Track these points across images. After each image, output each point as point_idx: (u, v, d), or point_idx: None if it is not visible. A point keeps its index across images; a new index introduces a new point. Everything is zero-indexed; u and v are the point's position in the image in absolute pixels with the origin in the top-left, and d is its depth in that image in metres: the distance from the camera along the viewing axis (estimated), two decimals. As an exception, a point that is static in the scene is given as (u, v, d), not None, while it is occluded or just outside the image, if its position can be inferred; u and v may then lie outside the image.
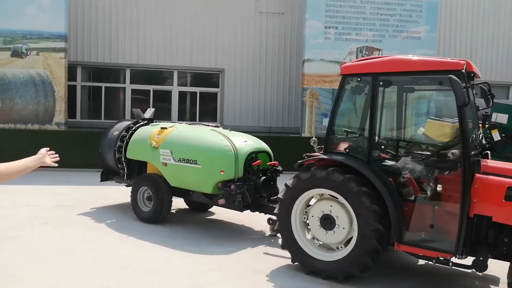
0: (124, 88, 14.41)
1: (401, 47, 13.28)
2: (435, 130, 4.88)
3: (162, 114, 14.31)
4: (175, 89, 14.65)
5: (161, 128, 6.88)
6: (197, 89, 14.81)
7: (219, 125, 7.20)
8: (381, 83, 4.56)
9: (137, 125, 7.47)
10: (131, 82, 14.42)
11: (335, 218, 4.67)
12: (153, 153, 6.71)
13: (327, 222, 4.72)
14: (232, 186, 5.82)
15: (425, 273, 5.10)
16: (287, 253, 5.36)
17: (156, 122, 7.82)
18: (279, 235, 6.19)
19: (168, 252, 5.40)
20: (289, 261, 5.11)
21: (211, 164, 6.07)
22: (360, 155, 4.66)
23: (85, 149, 11.67)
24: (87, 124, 13.51)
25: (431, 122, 4.99)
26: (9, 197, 8.21)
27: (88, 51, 13.71)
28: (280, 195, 5.01)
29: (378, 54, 13.25)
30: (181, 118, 14.52)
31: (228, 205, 5.99)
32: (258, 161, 6.23)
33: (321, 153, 4.92)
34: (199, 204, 7.44)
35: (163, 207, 6.57)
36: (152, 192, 6.65)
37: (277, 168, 6.38)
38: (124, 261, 5.05)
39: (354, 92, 4.95)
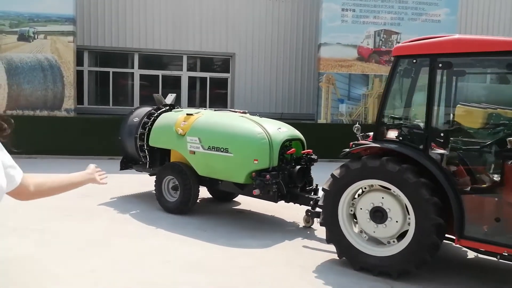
0: (133, 73, 13.97)
1: (420, 31, 12.81)
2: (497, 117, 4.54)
3: (172, 100, 13.95)
4: (184, 75, 14.22)
5: (187, 114, 6.52)
6: (207, 74, 14.40)
7: (247, 111, 6.84)
8: (440, 65, 4.19)
9: (159, 111, 7.11)
10: (139, 67, 13.98)
11: (387, 210, 4.37)
12: (179, 141, 6.37)
13: (378, 215, 4.41)
14: (267, 176, 5.50)
15: (478, 268, 4.82)
16: (327, 247, 5.10)
17: (178, 108, 7.47)
18: (314, 227, 5.95)
19: (204, 246, 5.10)
20: (333, 256, 4.83)
21: (244, 153, 5.74)
22: (415, 143, 4.33)
23: (96, 136, 11.36)
24: (95, 111, 13.11)
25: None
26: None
27: (95, 35, 13.24)
28: (325, 186, 4.70)
29: (397, 38, 12.85)
30: (191, 104, 14.12)
31: (263, 195, 5.67)
32: (293, 149, 5.90)
33: (370, 141, 4.58)
34: (224, 194, 7.14)
35: (190, 197, 6.26)
36: (178, 182, 6.33)
37: (312, 156, 6.05)
38: (161, 255, 4.75)
39: (407, 76, 4.59)
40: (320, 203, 4.77)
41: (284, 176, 5.72)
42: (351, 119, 12.75)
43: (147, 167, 7.07)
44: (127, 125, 7.34)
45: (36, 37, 11.54)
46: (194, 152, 6.19)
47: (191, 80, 14.39)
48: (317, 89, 12.97)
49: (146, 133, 6.92)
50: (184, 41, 13.76)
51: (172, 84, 14.42)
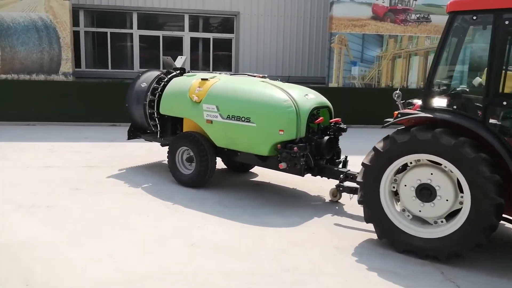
0: (132, 34, 13.14)
1: (439, -13, 12.05)
2: None
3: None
4: (186, 35, 13.42)
5: (202, 79, 5.94)
6: (210, 35, 13.60)
7: (266, 75, 6.25)
8: (506, 22, 3.62)
9: (169, 76, 6.51)
10: (138, 28, 13.14)
11: (436, 188, 3.93)
12: (195, 109, 5.82)
13: (425, 192, 3.98)
14: (295, 148, 5.02)
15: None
16: (361, 225, 4.72)
17: (189, 71, 6.86)
18: (341, 201, 5.55)
19: (228, 225, 4.69)
20: (370, 236, 4.45)
21: (268, 123, 5.21)
22: (472, 114, 3.83)
23: (97, 102, 10.78)
24: (94, 74, 12.41)
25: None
26: (27, 155, 7.40)
27: (91, -8, 12.32)
28: (366, 161, 4.23)
29: (415, -5, 12.03)
30: (194, 67, 13.40)
31: (289, 169, 5.21)
32: (321, 118, 5.39)
33: (418, 111, 4.08)
34: (240, 165, 6.69)
35: (207, 170, 5.80)
36: (194, 153, 5.84)
37: (341, 126, 5.56)
38: (185, 237, 4.33)
39: (464, 35, 4.01)
40: (358, 179, 4.32)
41: (311, 147, 5.24)
42: (364, 82, 12.16)
43: (158, 136, 6.56)
44: (134, 91, 6.75)
45: (27, -6, 10.65)
46: (211, 122, 5.67)
47: (193, 41, 13.60)
48: (329, 51, 12.27)
49: (156, 100, 6.36)
50: (186, -1, 12.90)
51: (174, 46, 13.63)
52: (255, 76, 6.17)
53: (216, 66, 13.60)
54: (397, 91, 4.48)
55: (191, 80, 6.07)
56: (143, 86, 6.65)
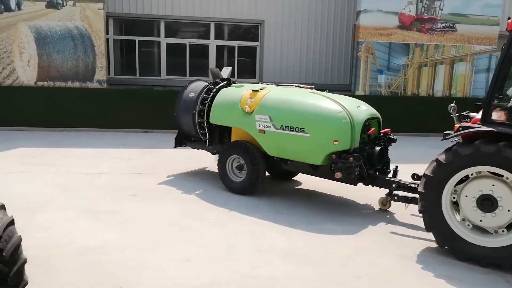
0: (159, 42, 13.41)
1: (464, -2, 12.22)
2: None
3: (199, 71, 13.49)
4: (212, 43, 13.66)
5: (253, 90, 6.15)
6: (235, 43, 13.83)
7: (313, 86, 6.45)
8: None
9: (217, 86, 6.73)
10: (165, 36, 13.42)
11: (498, 199, 4.10)
12: (246, 119, 6.03)
13: (487, 203, 4.15)
14: (350, 158, 5.20)
15: None
16: (418, 234, 4.91)
17: (235, 82, 7.07)
18: (391, 210, 5.72)
19: (288, 232, 4.88)
20: (429, 244, 4.62)
21: (322, 133, 5.41)
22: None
23: (130, 108, 11.05)
24: (122, 81, 12.68)
25: None
26: (73, 162, 7.64)
27: (120, 1, 12.60)
28: (428, 172, 4.40)
29: (440, 4, 12.21)
30: (219, 74, 13.61)
31: (343, 179, 5.39)
32: (373, 129, 5.57)
33: (480, 124, 4.25)
34: (284, 173, 6.88)
35: (258, 177, 6.00)
36: (245, 162, 6.05)
37: (390, 136, 5.73)
38: (250, 243, 4.53)
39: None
40: (420, 189, 4.49)
41: (364, 157, 5.42)
42: (390, 90, 12.33)
43: (206, 145, 6.77)
44: (182, 101, 6.98)
45: (64, 4, 10.97)
46: (263, 131, 5.87)
47: (218, 49, 13.85)
48: (355, 59, 12.45)
49: (205, 110, 6.58)
50: (212, 8, 13.15)
51: (199, 53, 13.90)
52: (303, 87, 6.37)
53: (241, 74, 13.83)
54: (453, 104, 4.66)
55: (242, 91, 6.28)
56: (191, 96, 6.87)
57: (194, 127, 6.75)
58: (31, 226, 4.64)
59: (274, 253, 4.33)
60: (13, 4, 10.75)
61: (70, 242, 4.34)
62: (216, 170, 6.51)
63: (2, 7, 10.69)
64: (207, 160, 7.83)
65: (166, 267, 3.94)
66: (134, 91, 11.56)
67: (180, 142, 7.33)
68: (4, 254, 2.87)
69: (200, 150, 7.31)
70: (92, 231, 4.68)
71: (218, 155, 6.49)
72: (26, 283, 3.06)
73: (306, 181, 6.92)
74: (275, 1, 13.31)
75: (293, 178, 7.10)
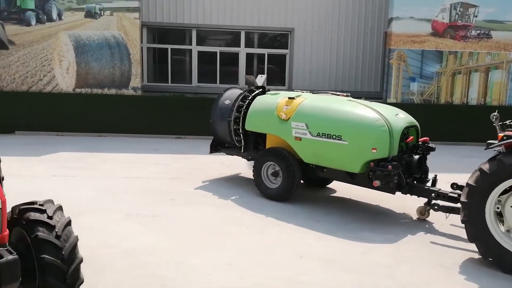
0: (191, 50, 13.68)
1: (500, 4, 11.97)
2: None
3: (229, 78, 13.68)
4: (242, 51, 13.84)
5: (289, 98, 6.22)
6: (265, 51, 13.96)
7: (349, 94, 6.48)
8: None
9: (253, 94, 6.84)
10: (197, 44, 13.69)
11: (545, 210, 4.01)
12: (282, 126, 6.11)
13: (534, 214, 4.06)
14: (389, 166, 5.19)
15: None
16: (458, 244, 4.84)
17: (269, 89, 7.17)
18: (429, 219, 5.65)
19: (328, 240, 4.90)
20: (471, 255, 4.55)
21: (360, 141, 5.42)
22: None
23: (162, 115, 11.30)
24: (155, 88, 13.00)
25: None
26: (112, 166, 7.89)
27: (153, 11, 12.95)
28: (471, 181, 4.35)
29: (475, 11, 12.01)
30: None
31: (382, 186, 5.38)
32: (411, 137, 5.55)
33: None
34: (318, 180, 6.90)
35: (294, 184, 6.05)
36: (281, 169, 6.11)
37: (429, 145, 5.68)
38: (290, 249, 4.58)
39: None
40: (462, 199, 4.44)
41: (402, 166, 5.39)
42: (423, 98, 12.17)
43: (241, 151, 6.88)
44: (218, 108, 7.12)
45: (102, 14, 11.38)
46: (300, 139, 5.93)
47: (248, 56, 14.01)
48: (387, 67, 12.36)
49: (241, 117, 6.69)
50: (242, 16, 13.35)
51: (229, 61, 14.11)
52: (339, 95, 6.40)
53: (270, 81, 13.89)
54: (495, 113, 4.59)
55: (277, 99, 6.37)
56: (226, 103, 7.01)
57: (230, 134, 6.87)
58: (78, 227, 4.82)
59: (315, 259, 4.36)
60: (54, 15, 11.23)
61: (116, 243, 4.50)
62: (250, 176, 6.59)
63: (45, 17, 11.18)
64: (240, 166, 7.94)
65: (210, 270, 4.03)
66: (166, 98, 11.84)
67: (215, 148, 7.46)
68: (63, 252, 3.03)
69: (234, 156, 7.43)
70: (136, 233, 4.84)
71: (252, 161, 6.58)
72: (82, 281, 3.21)
73: (340, 189, 6.91)
74: (306, 9, 13.40)
75: (327, 186, 7.10)
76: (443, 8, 12.02)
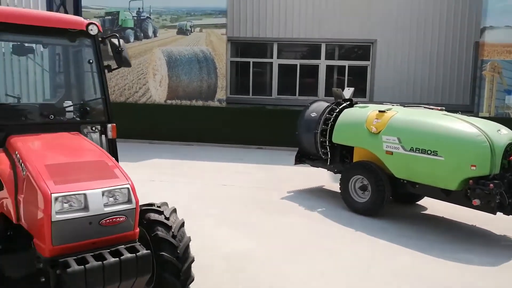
0: (271, 63, 14.02)
1: None
2: None
3: (308, 90, 13.78)
4: (322, 63, 13.88)
5: (379, 111, 6.17)
6: (346, 63, 13.86)
7: (444, 108, 6.26)
8: None
9: (340, 107, 6.88)
10: (278, 57, 14.00)
11: None
12: (372, 140, 6.07)
13: None
14: (490, 184, 4.92)
15: None
16: None
17: (357, 102, 7.16)
18: (535, 244, 5.23)
19: (421, 258, 4.76)
20: None
21: (459, 157, 5.21)
22: None
23: (245, 126, 11.70)
24: (237, 100, 13.47)
25: None
26: (202, 175, 8.36)
27: (238, 26, 13.51)
28: None
29: None
30: (328, 93, 13.77)
31: (481, 206, 5.11)
32: (515, 154, 5.22)
33: None
34: (407, 196, 6.70)
35: (383, 199, 5.96)
36: (370, 182, 6.06)
37: (536, 163, 5.29)
38: (384, 265, 4.53)
39: None
40: None
41: (505, 185, 5.08)
42: (520, 112, 11.27)
43: (328, 164, 6.93)
44: (304, 120, 7.26)
45: (192, 31, 12.16)
46: (391, 153, 5.84)
47: (328, 68, 14.01)
48: (479, 78, 11.65)
49: (328, 129, 6.75)
50: (323, 29, 13.41)
51: (309, 73, 14.22)
52: (432, 109, 6.21)
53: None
54: None
55: (367, 112, 6.34)
56: (313, 116, 7.12)
57: (316, 146, 6.96)
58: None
59: (411, 276, 4.27)
60: (150, 32, 12.23)
61: (215, 247, 4.79)
62: (334, 189, 6.60)
63: (142, 35, 12.22)
64: (323, 178, 7.98)
65: (306, 279, 4.13)
66: (248, 110, 12.25)
67: (300, 159, 7.59)
68: (178, 251, 3.33)
69: (317, 168, 7.49)
70: (232, 238, 5.10)
71: (337, 174, 6.59)
72: (193, 280, 3.48)
73: (431, 206, 6.65)
74: (389, 20, 13.14)
75: (417, 203, 6.87)
76: (544, 16, 11.10)
